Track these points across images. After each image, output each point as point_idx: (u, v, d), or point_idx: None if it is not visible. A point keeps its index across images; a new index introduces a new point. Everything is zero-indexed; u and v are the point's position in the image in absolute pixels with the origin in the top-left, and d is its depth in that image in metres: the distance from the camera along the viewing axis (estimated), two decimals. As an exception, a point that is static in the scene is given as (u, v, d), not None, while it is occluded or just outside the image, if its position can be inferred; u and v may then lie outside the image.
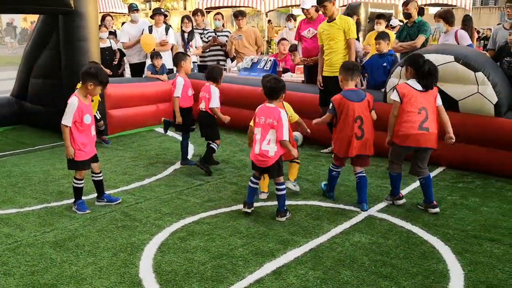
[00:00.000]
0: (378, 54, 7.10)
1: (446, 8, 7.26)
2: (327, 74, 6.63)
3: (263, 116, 4.61)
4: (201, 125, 6.12)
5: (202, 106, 6.01)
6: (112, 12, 26.64)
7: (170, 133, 8.19)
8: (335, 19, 6.54)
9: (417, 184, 5.57)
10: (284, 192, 4.67)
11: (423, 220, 4.62)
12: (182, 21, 9.54)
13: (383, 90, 6.67)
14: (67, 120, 4.56)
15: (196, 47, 9.45)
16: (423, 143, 4.67)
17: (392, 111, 4.78)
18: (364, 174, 4.96)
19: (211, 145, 6.03)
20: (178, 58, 6.38)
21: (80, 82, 4.75)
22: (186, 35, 9.38)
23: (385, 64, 6.96)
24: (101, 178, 5.00)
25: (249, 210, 4.75)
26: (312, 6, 7.45)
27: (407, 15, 7.61)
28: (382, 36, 7.13)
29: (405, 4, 7.76)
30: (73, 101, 4.59)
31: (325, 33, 6.60)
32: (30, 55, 8.32)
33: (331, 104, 4.92)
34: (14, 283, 3.50)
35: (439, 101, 4.77)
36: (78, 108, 4.57)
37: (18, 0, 6.66)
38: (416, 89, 4.68)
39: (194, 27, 9.71)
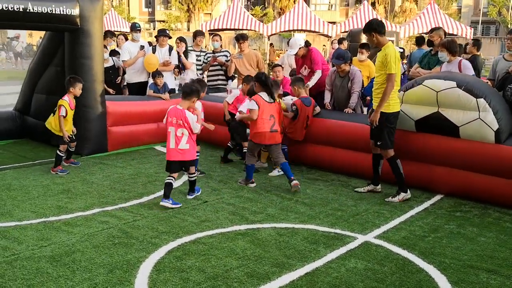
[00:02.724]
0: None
1: (450, 38, 7.36)
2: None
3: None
4: None
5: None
6: (115, 31, 27.01)
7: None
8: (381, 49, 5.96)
9: (415, 211, 5.62)
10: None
11: (420, 248, 4.63)
12: (176, 42, 9.69)
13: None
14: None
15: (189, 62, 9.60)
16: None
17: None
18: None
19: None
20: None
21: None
22: (179, 55, 9.53)
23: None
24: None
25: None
26: (299, 49, 7.87)
27: (431, 43, 7.76)
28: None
29: (430, 32, 7.91)
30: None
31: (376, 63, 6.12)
32: (35, 70, 8.41)
33: (295, 107, 7.08)
34: (9, 296, 3.50)
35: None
36: None
37: (25, 17, 6.76)
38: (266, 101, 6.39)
39: (193, 48, 9.86)
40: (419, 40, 10.79)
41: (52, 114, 6.87)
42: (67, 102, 6.72)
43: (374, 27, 5.83)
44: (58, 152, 6.70)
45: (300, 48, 7.92)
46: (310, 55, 8.00)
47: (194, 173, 5.86)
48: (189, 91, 5.71)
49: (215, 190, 6.21)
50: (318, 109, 7.37)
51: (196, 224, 5.05)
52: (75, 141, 6.99)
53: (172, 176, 5.64)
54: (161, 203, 5.51)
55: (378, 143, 5.98)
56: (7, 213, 5.16)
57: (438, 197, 6.15)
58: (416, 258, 4.39)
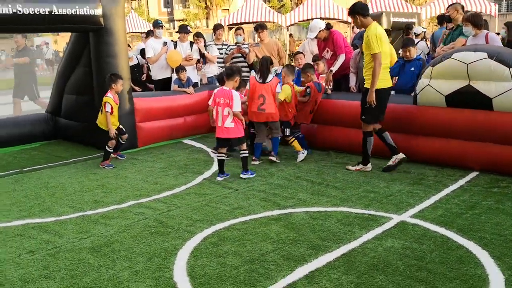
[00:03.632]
0: (405, 59, 7.12)
1: (474, 11, 7.25)
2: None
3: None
4: None
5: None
6: (135, 32, 27.34)
7: (198, 144, 8.32)
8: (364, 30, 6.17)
9: (450, 189, 5.55)
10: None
11: (458, 225, 4.56)
12: (193, 39, 9.73)
13: (412, 94, 6.67)
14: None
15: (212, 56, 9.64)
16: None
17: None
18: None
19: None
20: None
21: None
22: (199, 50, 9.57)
23: (412, 68, 6.99)
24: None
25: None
26: (319, 32, 7.79)
27: (449, 19, 7.69)
28: (409, 43, 7.17)
29: (447, 8, 7.85)
30: None
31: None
32: (63, 72, 8.59)
33: (309, 89, 7.15)
34: (55, 286, 3.61)
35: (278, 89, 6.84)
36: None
37: (50, 20, 6.90)
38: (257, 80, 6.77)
39: (214, 42, 9.89)
40: (442, 19, 10.60)
41: (100, 113, 7.09)
42: (111, 98, 6.96)
43: (357, 10, 6.03)
44: (106, 147, 6.97)
45: (320, 31, 7.82)
46: (332, 37, 7.89)
47: (246, 149, 6.30)
48: (231, 71, 6.29)
49: (245, 178, 6.24)
50: (329, 91, 7.62)
51: (228, 211, 5.09)
52: (125, 133, 7.25)
53: (221, 153, 6.32)
54: (217, 178, 6.22)
55: (362, 117, 6.23)
56: (46, 209, 5.30)
57: (473, 174, 6.04)
58: (455, 235, 4.33)
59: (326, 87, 7.62)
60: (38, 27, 7.17)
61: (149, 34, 10.41)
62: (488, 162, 6.00)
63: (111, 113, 6.90)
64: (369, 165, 6.40)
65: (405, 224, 4.64)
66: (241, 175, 6.26)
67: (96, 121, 7.16)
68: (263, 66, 6.85)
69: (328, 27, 7.96)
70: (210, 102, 6.30)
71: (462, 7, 7.87)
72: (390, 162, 6.33)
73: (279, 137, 7.00)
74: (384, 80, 6.06)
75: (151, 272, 3.78)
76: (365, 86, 6.16)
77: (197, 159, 7.37)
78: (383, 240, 4.28)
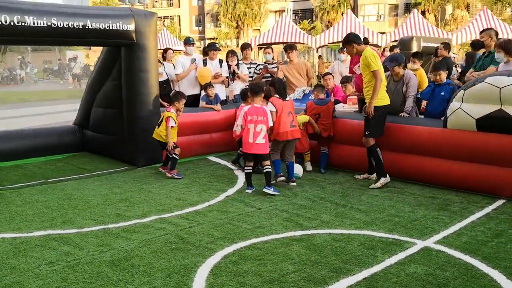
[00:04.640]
0: (436, 84, 7.04)
1: (507, 38, 7.18)
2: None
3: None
4: None
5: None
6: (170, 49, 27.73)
7: (222, 161, 8.34)
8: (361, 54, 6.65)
9: (475, 216, 5.42)
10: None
11: (482, 253, 4.43)
12: (227, 56, 9.83)
13: (442, 118, 6.58)
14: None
15: (244, 75, 9.70)
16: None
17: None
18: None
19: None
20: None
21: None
22: (231, 68, 9.65)
23: (443, 93, 6.90)
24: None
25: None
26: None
27: (482, 45, 7.69)
28: (441, 67, 7.08)
29: (480, 33, 7.86)
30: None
31: (361, 67, 6.77)
32: (93, 86, 8.76)
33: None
34: (73, 297, 3.61)
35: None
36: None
37: (84, 33, 7.06)
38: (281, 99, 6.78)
39: (242, 61, 9.97)
40: (475, 44, 10.49)
41: (157, 127, 7.37)
42: (174, 114, 7.26)
43: (353, 40, 6.70)
44: (173, 155, 7.22)
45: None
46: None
47: (269, 165, 6.42)
48: (258, 88, 6.55)
49: (269, 197, 6.21)
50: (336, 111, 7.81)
51: (250, 230, 5.05)
52: (177, 147, 7.38)
53: (248, 166, 6.49)
54: (246, 191, 6.43)
55: (366, 133, 6.63)
56: (68, 221, 5.35)
57: (499, 202, 5.89)
58: (480, 263, 4.21)
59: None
60: (72, 40, 7.31)
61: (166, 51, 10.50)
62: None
63: (173, 127, 7.24)
64: (387, 176, 6.66)
65: (429, 250, 4.53)
66: (264, 190, 6.29)
67: (153, 134, 7.42)
68: (281, 86, 6.93)
69: (366, 42, 7.95)
70: (239, 122, 6.50)
71: (496, 34, 7.79)
72: (360, 176, 7.05)
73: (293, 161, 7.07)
74: (384, 98, 6.61)
75: (169, 288, 3.76)
76: (366, 101, 6.67)
77: (221, 176, 7.37)
78: (406, 266, 4.18)
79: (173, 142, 7.29)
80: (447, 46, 10.52)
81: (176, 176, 7.14)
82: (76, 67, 34.61)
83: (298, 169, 7.17)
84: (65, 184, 6.91)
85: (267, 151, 6.46)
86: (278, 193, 6.30)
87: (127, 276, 3.98)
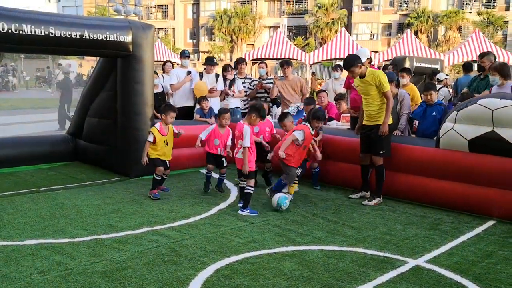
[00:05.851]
0: (427, 104, 7.13)
1: (502, 62, 7.31)
2: (367, 123, 6.74)
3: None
4: None
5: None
6: (159, 61, 27.84)
7: (215, 174, 8.32)
8: (365, 75, 6.53)
9: (466, 236, 5.46)
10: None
11: (473, 273, 4.47)
12: (225, 70, 9.86)
13: (434, 138, 6.66)
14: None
15: (238, 91, 9.76)
16: None
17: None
18: None
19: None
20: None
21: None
22: (228, 81, 9.72)
23: (434, 113, 6.99)
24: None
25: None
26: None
27: (481, 68, 7.74)
28: (431, 87, 7.18)
29: (480, 57, 7.89)
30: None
31: (360, 89, 6.72)
32: (87, 96, 8.77)
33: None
34: (64, 308, 3.59)
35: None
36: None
37: (81, 43, 7.09)
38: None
39: (236, 75, 10.04)
40: (467, 66, 10.64)
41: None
42: (156, 130, 6.74)
43: (357, 61, 6.49)
44: (154, 175, 6.76)
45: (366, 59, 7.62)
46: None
47: (252, 186, 6.27)
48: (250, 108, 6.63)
49: (261, 212, 6.22)
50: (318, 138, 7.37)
51: (243, 244, 5.06)
52: (168, 168, 6.92)
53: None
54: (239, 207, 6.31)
55: (381, 152, 6.62)
56: (60, 230, 5.32)
57: (490, 223, 5.96)
58: (470, 283, 4.25)
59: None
60: (69, 49, 7.32)
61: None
62: (508, 210, 5.92)
63: (152, 143, 6.70)
64: (381, 197, 6.81)
65: (420, 269, 4.56)
66: (240, 212, 6.16)
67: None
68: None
69: (369, 60, 7.92)
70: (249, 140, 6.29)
71: (495, 58, 7.90)
72: (356, 195, 7.04)
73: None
74: (391, 117, 6.70)
75: (161, 301, 3.75)
76: (377, 123, 6.59)
77: (214, 189, 7.37)
78: (397, 284, 4.20)
79: (161, 159, 6.77)
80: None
81: (152, 197, 6.68)
82: (59, 74, 34.28)
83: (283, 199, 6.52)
84: (57, 193, 6.88)
85: (253, 168, 6.28)
86: (256, 213, 6.13)
87: (119, 287, 3.97)
